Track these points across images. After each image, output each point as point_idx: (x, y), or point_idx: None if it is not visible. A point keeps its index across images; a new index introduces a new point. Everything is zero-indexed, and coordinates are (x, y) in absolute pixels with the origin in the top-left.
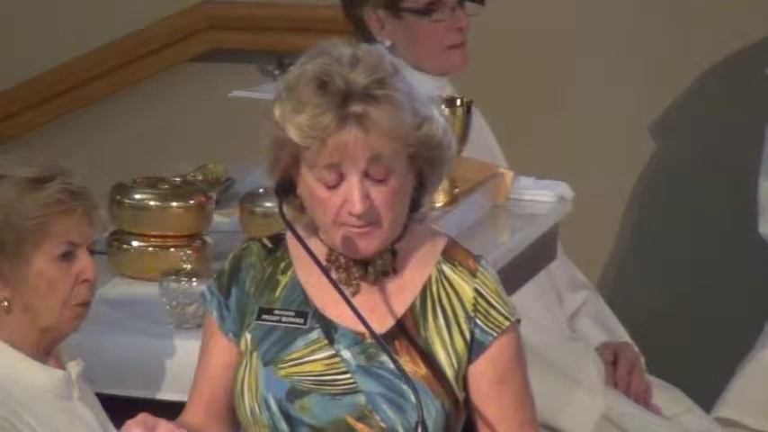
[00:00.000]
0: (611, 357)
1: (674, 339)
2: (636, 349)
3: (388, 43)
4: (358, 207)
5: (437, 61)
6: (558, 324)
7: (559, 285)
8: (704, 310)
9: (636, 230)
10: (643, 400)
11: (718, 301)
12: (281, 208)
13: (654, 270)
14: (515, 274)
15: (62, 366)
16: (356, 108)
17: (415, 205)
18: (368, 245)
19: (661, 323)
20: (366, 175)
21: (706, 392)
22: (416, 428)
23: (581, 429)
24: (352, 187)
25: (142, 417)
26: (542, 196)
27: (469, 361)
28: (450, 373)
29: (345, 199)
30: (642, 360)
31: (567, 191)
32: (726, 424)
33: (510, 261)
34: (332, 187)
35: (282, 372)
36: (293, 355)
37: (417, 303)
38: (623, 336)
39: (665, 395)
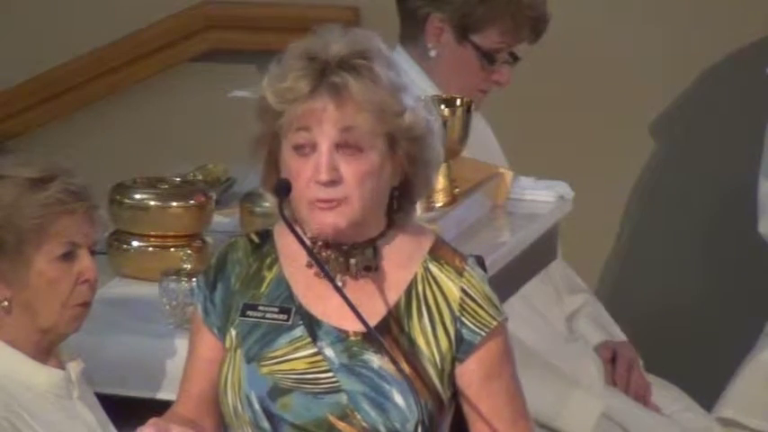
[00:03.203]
0: (610, 356)
1: (674, 339)
2: (633, 349)
3: (433, 53)
4: (324, 175)
5: (459, 93)
6: (556, 324)
7: (558, 287)
8: (704, 311)
9: (636, 230)
10: (642, 397)
11: (718, 302)
12: (280, 208)
13: (654, 270)
14: (515, 274)
15: (62, 366)
16: (334, 78)
17: (401, 204)
18: (334, 219)
19: (661, 323)
20: (338, 147)
21: (706, 392)
22: (416, 428)
23: (581, 430)
24: (321, 154)
25: (153, 421)
26: (542, 196)
27: (457, 360)
28: (433, 372)
29: (315, 171)
30: (640, 361)
31: (567, 191)
32: (726, 424)
33: (510, 261)
34: (304, 155)
35: (265, 369)
36: (276, 353)
37: (402, 301)
38: (621, 338)
39: (664, 393)
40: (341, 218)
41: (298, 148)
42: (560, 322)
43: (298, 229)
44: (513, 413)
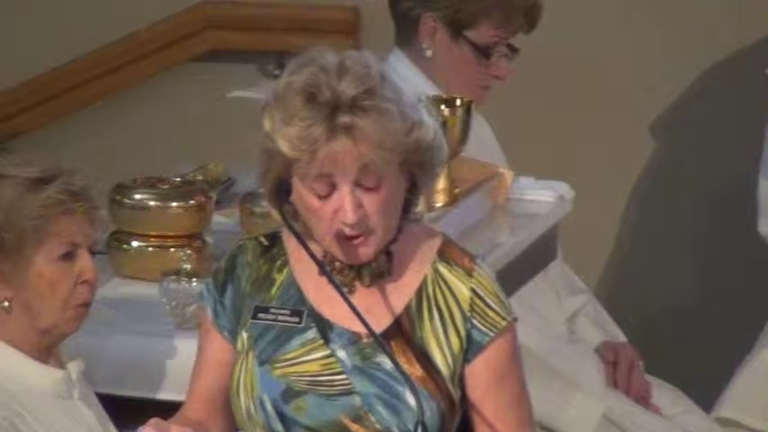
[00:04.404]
0: (612, 357)
1: (674, 339)
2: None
3: (429, 52)
4: (351, 217)
5: (461, 91)
6: (556, 325)
7: (558, 287)
8: (704, 311)
9: (636, 231)
10: (643, 399)
11: (719, 302)
12: (281, 212)
13: (654, 270)
14: (515, 274)
15: (62, 366)
16: (345, 119)
17: (408, 206)
18: (364, 252)
19: (661, 323)
20: (357, 184)
21: (706, 392)
22: (416, 429)
23: (582, 431)
24: (345, 197)
25: (154, 421)
26: (542, 196)
27: (466, 360)
28: (445, 373)
29: (338, 208)
30: (640, 362)
31: (567, 191)
32: (726, 424)
33: (510, 261)
34: (324, 197)
35: (278, 372)
36: (289, 355)
37: (413, 304)
38: (621, 339)
39: (665, 395)
40: (369, 248)
41: (318, 193)
42: (560, 323)
43: (308, 243)
44: (517, 418)
